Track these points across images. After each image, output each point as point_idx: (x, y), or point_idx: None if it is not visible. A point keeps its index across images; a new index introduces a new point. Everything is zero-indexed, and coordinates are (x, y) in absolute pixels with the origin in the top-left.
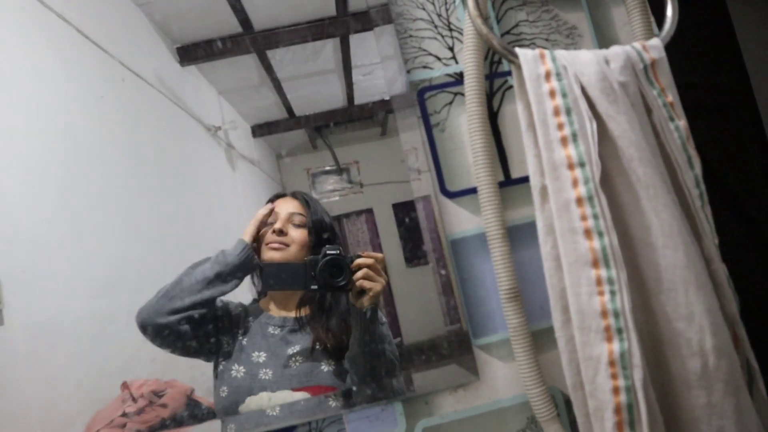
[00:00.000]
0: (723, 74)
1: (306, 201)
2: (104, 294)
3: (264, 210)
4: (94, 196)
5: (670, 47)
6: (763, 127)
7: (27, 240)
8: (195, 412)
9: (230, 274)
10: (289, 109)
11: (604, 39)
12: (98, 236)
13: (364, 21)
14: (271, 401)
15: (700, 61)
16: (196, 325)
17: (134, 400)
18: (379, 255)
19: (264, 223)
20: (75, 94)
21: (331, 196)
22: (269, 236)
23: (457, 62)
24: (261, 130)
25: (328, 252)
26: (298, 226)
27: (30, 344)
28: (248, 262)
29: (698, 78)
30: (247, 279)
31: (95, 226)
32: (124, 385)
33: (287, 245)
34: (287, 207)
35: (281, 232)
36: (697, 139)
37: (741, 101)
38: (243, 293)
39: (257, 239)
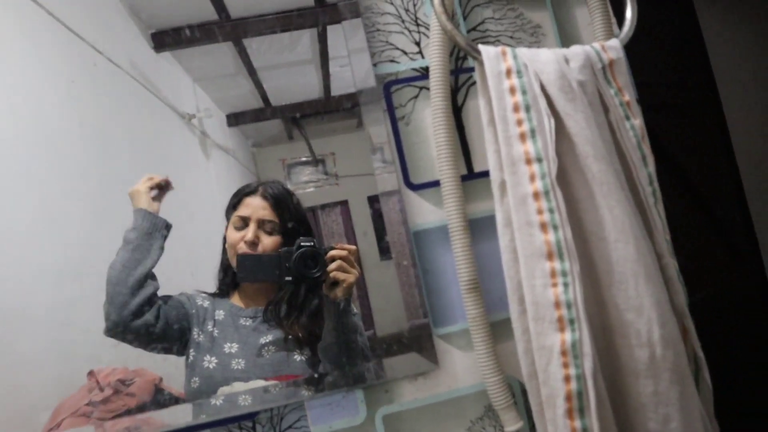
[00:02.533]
0: (688, 72)
1: (277, 203)
2: (71, 281)
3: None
4: (63, 181)
5: (636, 46)
6: (727, 126)
7: None
8: (162, 401)
9: (144, 242)
10: (265, 99)
11: (567, 38)
12: (66, 222)
13: (335, 13)
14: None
15: (666, 60)
16: (165, 321)
17: (101, 389)
18: (353, 247)
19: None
20: (45, 77)
21: (307, 187)
22: (240, 245)
23: (423, 57)
24: (236, 119)
25: (302, 243)
26: (270, 233)
27: None
28: (153, 223)
29: (664, 76)
30: (214, 275)
31: (63, 212)
32: (91, 374)
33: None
34: (258, 211)
35: (253, 244)
36: (661, 136)
37: (706, 99)
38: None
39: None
